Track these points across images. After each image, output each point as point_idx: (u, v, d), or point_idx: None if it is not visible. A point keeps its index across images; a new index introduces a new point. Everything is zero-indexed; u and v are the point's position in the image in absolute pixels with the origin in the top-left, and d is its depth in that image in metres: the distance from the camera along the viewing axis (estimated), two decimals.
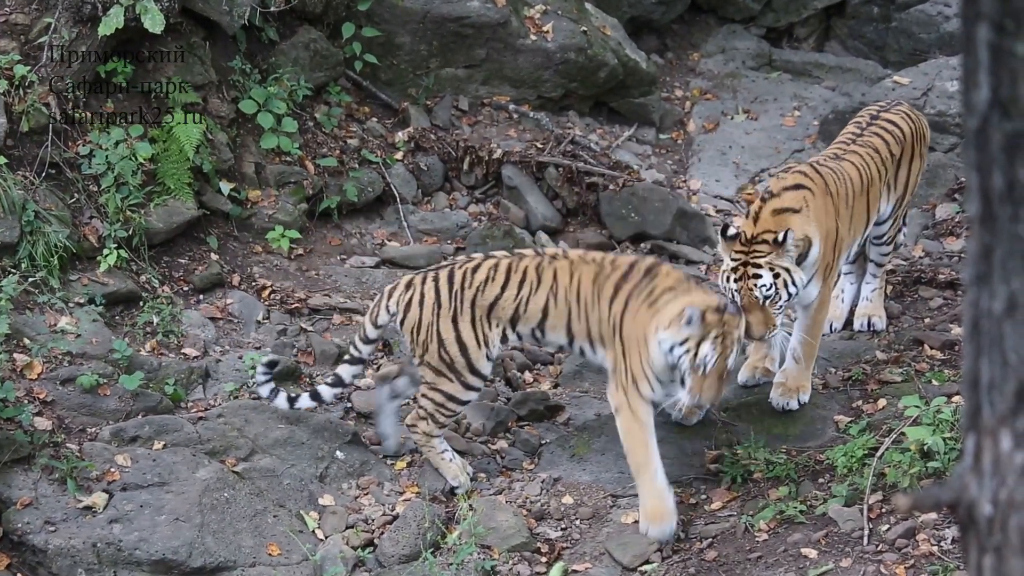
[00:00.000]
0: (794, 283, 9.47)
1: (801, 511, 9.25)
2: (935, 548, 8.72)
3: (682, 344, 8.97)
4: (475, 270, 9.82)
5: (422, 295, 9.82)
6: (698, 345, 8.93)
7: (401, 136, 12.99)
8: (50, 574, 9.45)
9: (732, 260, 9.50)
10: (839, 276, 10.52)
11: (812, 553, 8.98)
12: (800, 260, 9.51)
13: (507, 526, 9.75)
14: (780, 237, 9.40)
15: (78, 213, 11.05)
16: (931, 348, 10.54)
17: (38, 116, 11.02)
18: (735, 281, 9.45)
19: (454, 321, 9.73)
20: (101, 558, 9.44)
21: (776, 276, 9.41)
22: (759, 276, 9.40)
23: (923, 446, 9.05)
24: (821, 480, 9.50)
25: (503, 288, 9.74)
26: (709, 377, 8.94)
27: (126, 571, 9.47)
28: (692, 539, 9.38)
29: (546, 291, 9.73)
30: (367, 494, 10.19)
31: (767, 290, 9.41)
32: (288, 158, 12.31)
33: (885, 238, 10.81)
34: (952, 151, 13.35)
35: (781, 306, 9.48)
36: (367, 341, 10.08)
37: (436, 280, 9.85)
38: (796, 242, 9.46)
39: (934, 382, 10.01)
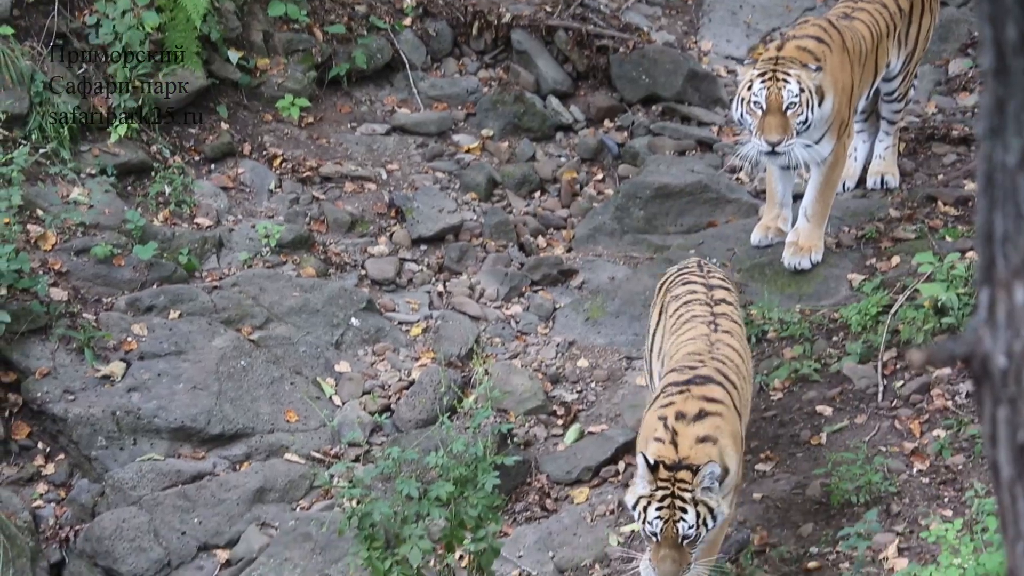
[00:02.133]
0: (812, 110, 9.45)
1: (815, 369, 9.29)
2: (949, 403, 8.77)
3: (634, 505, 7.34)
4: (679, 269, 8.87)
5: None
6: (645, 509, 7.27)
7: (409, 1, 12.88)
8: (70, 442, 9.54)
9: (758, 70, 9.46)
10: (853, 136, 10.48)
11: (827, 410, 9.03)
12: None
13: (523, 389, 9.81)
14: (813, 65, 9.42)
15: (87, 84, 11.01)
16: (945, 204, 10.52)
17: None
18: (762, 83, 9.41)
19: (660, 310, 8.74)
20: (121, 426, 9.53)
21: (802, 91, 9.40)
22: (787, 81, 9.40)
23: (937, 302, 9.06)
24: (835, 338, 9.52)
25: (664, 293, 8.70)
26: (663, 547, 7.25)
27: (146, 439, 9.56)
28: None
29: (659, 310, 8.66)
30: (383, 360, 10.25)
31: (793, 96, 9.38)
32: (296, 25, 12.23)
33: (896, 94, 10.75)
34: (965, 6, 13.23)
35: (799, 122, 9.43)
36: None
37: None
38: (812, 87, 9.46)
39: (948, 238, 9.99)
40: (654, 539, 7.26)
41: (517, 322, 10.67)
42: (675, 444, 7.32)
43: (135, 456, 9.50)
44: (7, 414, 9.61)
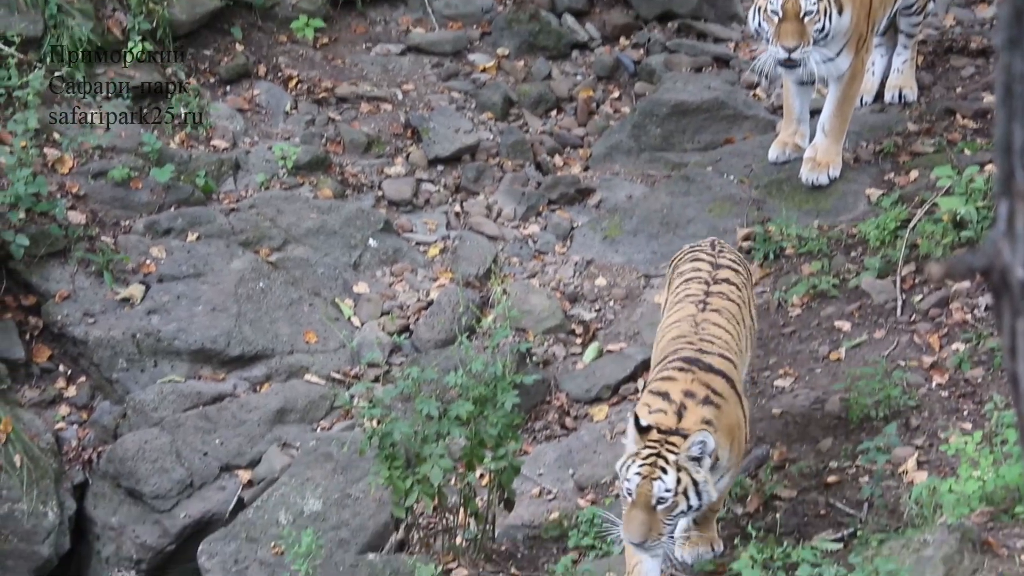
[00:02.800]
0: (830, 19, 9.40)
1: (834, 285, 9.28)
2: (968, 316, 8.76)
3: (621, 465, 7.04)
4: (692, 246, 8.48)
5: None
6: (628, 467, 6.95)
7: None
8: (91, 364, 9.59)
9: None
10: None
11: (846, 326, 9.03)
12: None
13: (541, 309, 9.82)
14: None
15: (101, 6, 10.96)
16: (963, 117, 10.47)
17: None
18: None
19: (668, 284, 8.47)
20: (141, 348, 9.57)
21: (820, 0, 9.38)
22: None
23: (956, 216, 9.04)
24: (853, 253, 9.51)
25: (673, 269, 8.38)
26: (634, 507, 6.91)
27: (166, 361, 9.60)
28: None
29: (668, 286, 8.39)
30: (401, 281, 10.26)
31: (811, 4, 9.34)
32: None
33: (914, 7, 10.68)
34: None
35: (816, 30, 9.39)
36: None
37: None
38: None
39: (966, 151, 9.95)
40: (629, 498, 6.92)
41: (535, 241, 10.67)
42: (679, 415, 7.07)
43: (156, 378, 9.55)
44: (28, 337, 9.66)
